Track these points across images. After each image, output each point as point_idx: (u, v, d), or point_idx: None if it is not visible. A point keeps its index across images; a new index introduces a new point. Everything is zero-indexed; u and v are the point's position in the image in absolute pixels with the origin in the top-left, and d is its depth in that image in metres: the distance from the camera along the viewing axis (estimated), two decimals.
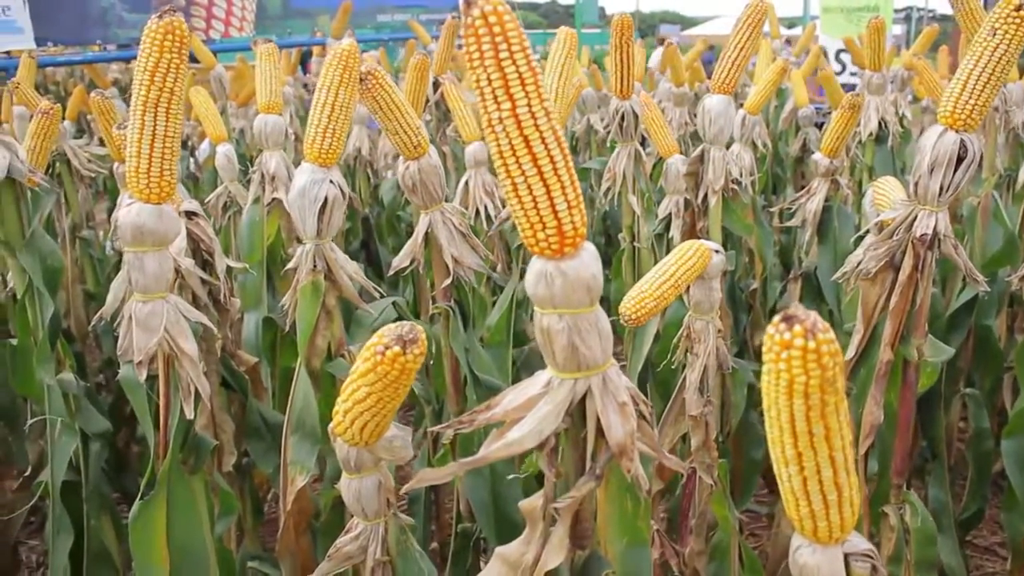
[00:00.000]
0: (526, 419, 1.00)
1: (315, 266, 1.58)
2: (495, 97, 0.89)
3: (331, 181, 1.54)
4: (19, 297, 1.88)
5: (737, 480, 2.87)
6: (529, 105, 0.89)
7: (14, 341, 1.97)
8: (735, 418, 2.57)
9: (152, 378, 1.65)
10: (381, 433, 1.14)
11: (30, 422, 1.72)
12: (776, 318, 0.80)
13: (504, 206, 2.76)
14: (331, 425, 1.17)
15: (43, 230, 1.88)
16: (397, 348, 1.00)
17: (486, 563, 2.27)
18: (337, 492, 1.83)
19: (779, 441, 0.87)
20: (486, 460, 1.00)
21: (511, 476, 1.86)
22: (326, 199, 1.53)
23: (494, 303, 2.66)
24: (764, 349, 0.82)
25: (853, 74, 6.15)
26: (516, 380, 2.43)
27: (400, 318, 2.03)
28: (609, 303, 2.99)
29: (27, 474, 2.81)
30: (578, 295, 0.95)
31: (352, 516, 1.82)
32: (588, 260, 0.95)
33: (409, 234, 3.99)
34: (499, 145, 0.91)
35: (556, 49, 2.23)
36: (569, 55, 2.28)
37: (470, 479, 1.99)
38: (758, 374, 3.05)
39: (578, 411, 1.03)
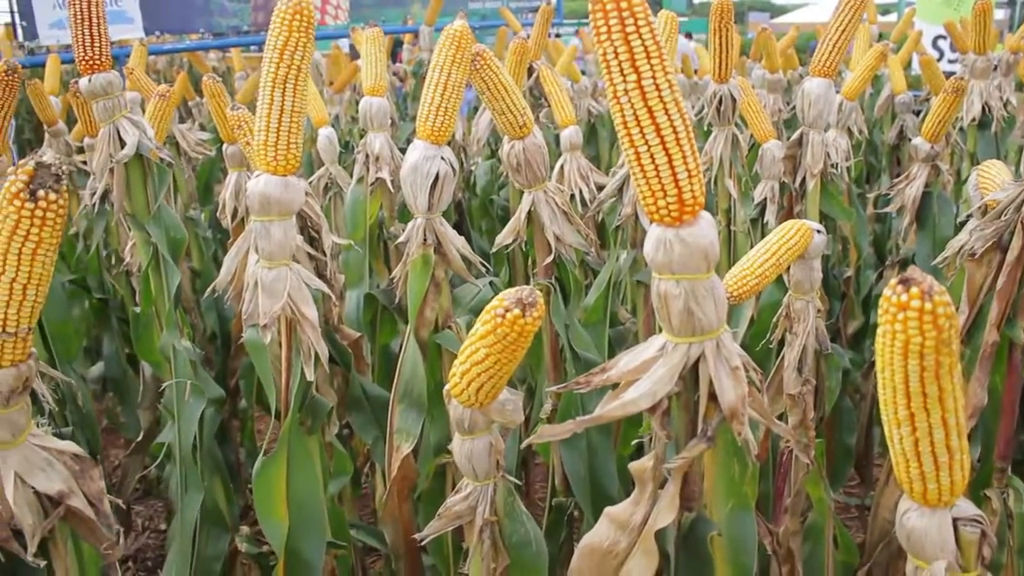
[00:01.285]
0: (641, 381, 1.04)
1: (425, 240, 1.64)
2: (621, 69, 0.93)
3: (442, 158, 1.59)
4: (144, 268, 1.98)
5: (829, 467, 2.86)
6: (654, 77, 0.93)
7: (137, 309, 2.08)
8: (829, 403, 2.56)
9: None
10: (495, 395, 1.19)
11: (164, 385, 1.82)
12: (893, 280, 0.83)
13: (599, 191, 2.79)
14: (447, 387, 1.22)
15: (166, 204, 1.98)
16: (517, 311, 1.05)
17: (579, 537, 2.32)
18: (439, 461, 1.90)
19: (892, 402, 0.89)
20: (602, 419, 1.05)
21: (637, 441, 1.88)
22: (437, 175, 1.59)
23: (587, 286, 2.69)
24: (880, 311, 0.85)
25: (952, 61, 6.00)
26: (612, 358, 2.46)
27: None
28: None
29: (139, 440, 2.96)
30: (695, 261, 0.98)
31: (455, 483, 1.89)
32: (706, 228, 0.98)
33: (501, 218, 4.07)
34: (623, 115, 0.95)
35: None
36: (669, 38, 2.31)
37: (567, 453, 2.04)
38: (853, 361, 3.03)
39: (691, 375, 1.06)
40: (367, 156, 2.48)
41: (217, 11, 5.74)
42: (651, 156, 0.95)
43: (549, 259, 1.96)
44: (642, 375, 1.05)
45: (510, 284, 3.06)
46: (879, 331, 0.85)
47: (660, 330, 1.07)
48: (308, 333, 1.43)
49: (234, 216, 2.85)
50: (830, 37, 2.21)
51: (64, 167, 1.04)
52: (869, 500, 3.14)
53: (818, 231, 1.74)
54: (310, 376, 1.45)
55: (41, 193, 1.00)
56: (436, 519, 1.36)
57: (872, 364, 3.25)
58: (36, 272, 1.05)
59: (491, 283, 2.15)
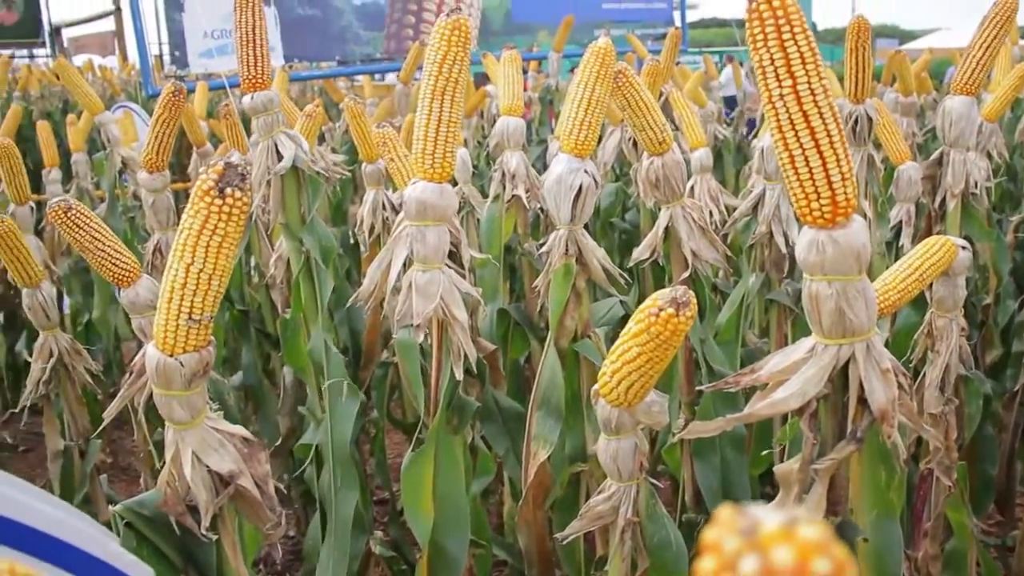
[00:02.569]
0: (791, 381, 1.06)
1: (567, 250, 1.69)
2: (776, 75, 0.96)
3: (586, 171, 1.64)
4: (295, 276, 2.09)
5: (969, 496, 2.77)
6: (809, 82, 0.96)
7: (287, 315, 2.19)
8: (969, 431, 2.49)
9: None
10: (644, 395, 1.22)
11: (325, 384, 1.91)
12: None
13: (730, 213, 2.80)
14: (595, 387, 1.26)
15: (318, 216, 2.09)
16: (671, 310, 1.08)
17: None
18: (574, 470, 1.94)
19: None
20: (752, 417, 1.07)
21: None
22: (581, 187, 1.64)
23: (717, 307, 2.70)
24: None
25: None
26: None
27: (627, 316, 2.12)
28: None
29: (278, 444, 3.08)
30: (848, 263, 1.00)
31: (589, 492, 1.92)
32: (858, 229, 1.01)
33: (624, 241, 4.10)
34: (779, 120, 0.98)
35: None
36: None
37: (701, 467, 2.05)
38: (993, 391, 2.95)
39: (839, 376, 1.08)
40: (503, 174, 2.55)
41: (351, 40, 5.97)
42: (805, 159, 0.98)
43: (685, 274, 1.99)
44: (791, 375, 1.07)
45: (639, 302, 3.09)
46: None
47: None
48: (458, 334, 1.49)
49: (371, 232, 2.97)
50: (974, 54, 2.18)
51: (248, 168, 1.12)
52: (1011, 540, 3.03)
53: (963, 247, 1.72)
54: (459, 375, 1.51)
55: (228, 191, 1.09)
56: (578, 519, 1.40)
57: (1014, 395, 3.15)
58: (221, 264, 1.13)
59: (621, 302, 2.19)
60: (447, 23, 1.38)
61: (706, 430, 1.11)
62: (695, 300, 1.11)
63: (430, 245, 1.45)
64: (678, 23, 8.25)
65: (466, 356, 1.50)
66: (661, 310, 1.09)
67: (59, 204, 1.83)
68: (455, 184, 3.23)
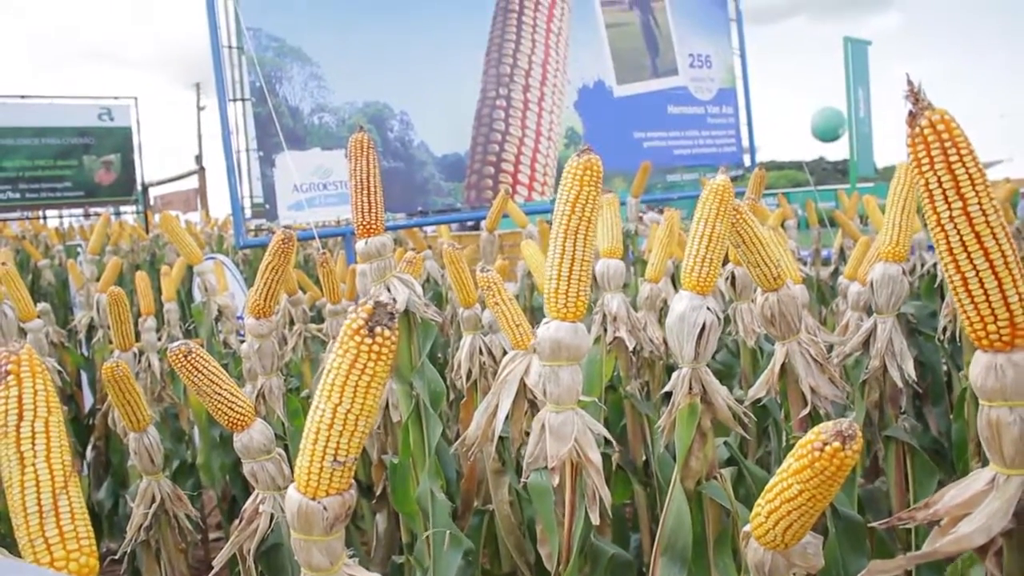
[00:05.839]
0: (974, 515, 1.00)
1: (691, 388, 1.65)
2: (946, 197, 0.95)
3: (708, 308, 1.62)
4: (403, 420, 2.07)
5: None
6: (980, 203, 0.94)
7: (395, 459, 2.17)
8: None
9: None
10: (802, 536, 1.16)
11: (425, 534, 1.87)
12: None
13: (831, 350, 2.74)
14: (746, 527, 1.20)
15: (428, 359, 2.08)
16: (837, 443, 1.03)
17: None
18: None
19: None
20: (935, 555, 1.01)
21: None
22: (704, 324, 1.61)
23: None
24: None
25: None
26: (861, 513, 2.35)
27: (731, 457, 2.06)
28: (950, 444, 2.85)
29: None
30: None
31: None
32: None
33: (716, 373, 4.04)
34: (949, 242, 0.96)
35: (896, 184, 2.28)
36: (910, 189, 2.30)
37: None
38: None
39: None
40: (604, 316, 2.54)
41: (434, 190, 6.14)
42: (980, 281, 0.95)
43: (804, 412, 1.93)
44: (970, 510, 1.01)
45: (741, 444, 3.01)
46: None
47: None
48: (593, 476, 1.45)
49: (468, 376, 2.96)
50: None
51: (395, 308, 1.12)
52: None
53: None
54: (595, 519, 1.46)
55: (378, 330, 1.09)
56: None
57: None
58: (368, 405, 1.12)
59: (725, 442, 2.13)
60: (579, 163, 1.39)
61: (887, 568, 1.04)
62: (860, 434, 1.06)
63: (564, 385, 1.43)
64: (747, 164, 8.35)
65: (601, 500, 1.45)
66: (826, 444, 1.04)
67: (180, 348, 1.86)
68: None
